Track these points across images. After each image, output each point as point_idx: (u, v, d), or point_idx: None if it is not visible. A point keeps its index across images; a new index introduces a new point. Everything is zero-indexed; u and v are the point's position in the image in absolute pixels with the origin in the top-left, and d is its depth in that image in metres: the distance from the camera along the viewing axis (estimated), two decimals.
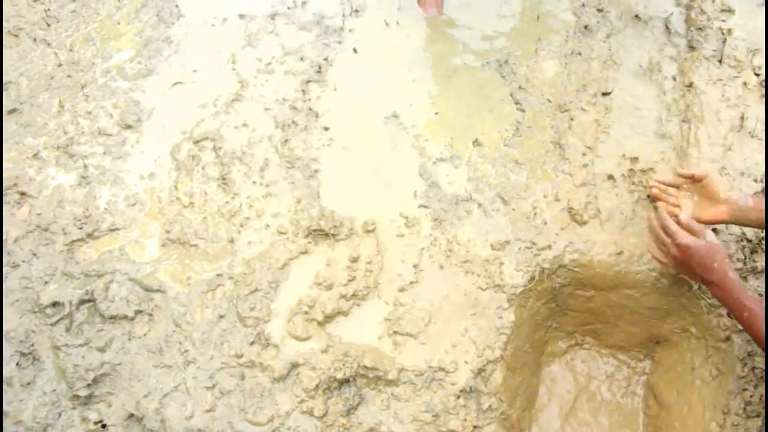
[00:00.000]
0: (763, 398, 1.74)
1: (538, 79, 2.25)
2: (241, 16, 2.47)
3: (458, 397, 1.77)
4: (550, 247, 1.94)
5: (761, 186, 2.00)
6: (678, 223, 1.67)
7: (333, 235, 1.96)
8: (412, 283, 1.90)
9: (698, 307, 1.90)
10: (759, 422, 1.71)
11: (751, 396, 1.75)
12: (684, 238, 1.63)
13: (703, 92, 2.20)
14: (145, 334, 1.87)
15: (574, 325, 2.09)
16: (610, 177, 2.04)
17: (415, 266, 1.92)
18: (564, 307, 2.04)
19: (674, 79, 2.25)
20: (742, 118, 2.13)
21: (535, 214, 1.99)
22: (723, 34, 2.32)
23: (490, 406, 1.78)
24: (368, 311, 1.88)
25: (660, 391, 1.97)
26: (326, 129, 2.17)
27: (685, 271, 1.69)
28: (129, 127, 2.21)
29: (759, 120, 2.11)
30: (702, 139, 2.10)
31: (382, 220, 1.99)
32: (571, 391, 2.06)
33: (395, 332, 1.84)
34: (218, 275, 1.94)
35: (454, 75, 2.28)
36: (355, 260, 1.92)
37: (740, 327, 1.83)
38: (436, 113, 2.18)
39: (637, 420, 2.03)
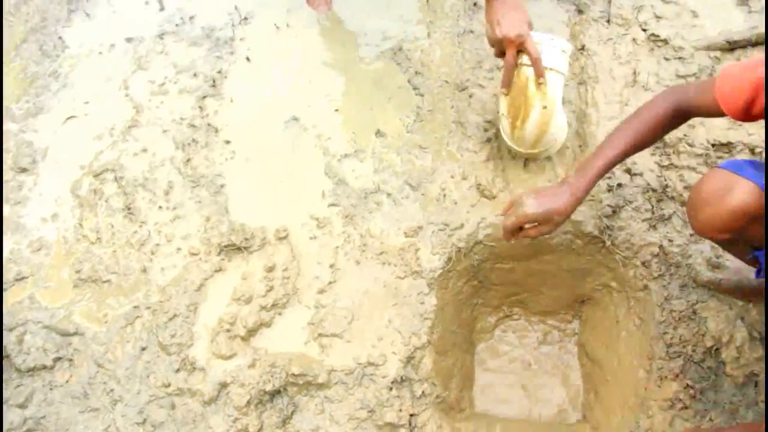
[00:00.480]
0: (683, 338, 1.80)
1: (433, 62, 2.26)
2: (129, 40, 2.43)
3: (391, 388, 1.78)
4: (462, 226, 1.96)
5: None
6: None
7: (246, 248, 1.95)
8: (330, 283, 1.90)
9: (614, 262, 1.95)
10: (680, 362, 1.76)
11: (671, 338, 1.80)
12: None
13: (595, 53, 2.24)
14: (67, 381, 1.83)
15: (500, 298, 2.12)
16: None
17: (331, 266, 1.92)
18: (487, 283, 2.07)
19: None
20: (634, 73, 2.17)
21: (444, 195, 2.00)
22: None
23: (423, 392, 1.80)
24: (290, 318, 1.88)
25: (591, 348, 2.01)
26: (227, 142, 2.15)
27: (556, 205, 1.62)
28: (24, 170, 2.16)
29: (650, 73, 2.16)
30: (599, 99, 2.15)
31: (293, 225, 1.98)
32: (508, 362, 2.10)
33: (320, 335, 1.83)
34: (135, 307, 1.91)
35: (350, 69, 2.28)
36: (271, 270, 1.91)
37: (656, 274, 1.89)
38: (336, 110, 2.18)
39: (575, 380, 2.07)
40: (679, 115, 1.56)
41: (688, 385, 1.75)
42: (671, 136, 2.02)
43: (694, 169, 1.99)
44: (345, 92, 2.24)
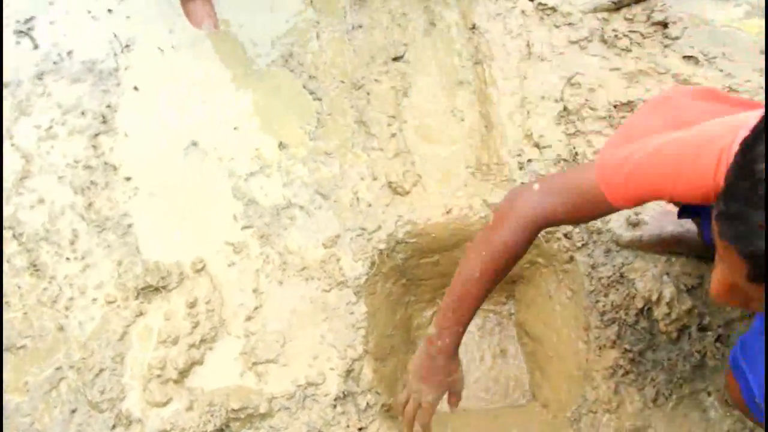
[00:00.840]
0: (615, 303, 1.83)
1: (325, 63, 2.21)
2: (6, 85, 2.31)
3: (335, 406, 1.75)
4: (380, 227, 1.93)
5: (563, 105, 2.07)
6: None
7: (164, 287, 1.88)
8: (256, 308, 1.85)
9: (537, 239, 1.96)
10: (616, 328, 1.79)
11: (604, 306, 1.83)
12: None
13: (486, 30, 2.23)
14: None
15: (431, 292, 2.11)
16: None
17: (255, 291, 1.87)
18: (415, 279, 2.05)
19: (457, 24, 2.28)
20: (528, 45, 2.18)
21: (357, 199, 1.98)
22: None
23: (368, 403, 1.78)
24: (222, 352, 1.82)
25: (529, 326, 2.03)
26: (128, 179, 2.06)
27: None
28: None
29: (543, 43, 2.18)
30: (497, 76, 2.15)
31: (209, 255, 1.92)
32: None
33: (254, 363, 1.79)
34: (57, 369, 1.82)
35: (243, 83, 2.21)
36: (193, 305, 1.85)
37: (579, 244, 1.91)
38: (235, 128, 2.12)
39: (519, 361, 2.09)
40: (536, 235, 1.42)
41: (626, 349, 1.79)
42: (574, 104, 2.05)
43: (600, 132, 2.02)
44: (241, 108, 2.18)
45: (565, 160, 1.97)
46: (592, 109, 2.03)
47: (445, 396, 1.57)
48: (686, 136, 1.18)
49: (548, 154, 1.98)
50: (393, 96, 2.12)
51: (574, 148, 1.98)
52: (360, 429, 1.74)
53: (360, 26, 2.25)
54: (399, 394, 1.64)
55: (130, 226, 1.99)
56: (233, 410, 1.73)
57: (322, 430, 1.72)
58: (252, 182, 2.03)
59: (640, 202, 1.25)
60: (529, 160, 1.96)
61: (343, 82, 2.17)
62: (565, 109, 2.04)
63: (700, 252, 1.81)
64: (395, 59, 2.18)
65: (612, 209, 1.28)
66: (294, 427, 1.74)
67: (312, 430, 1.72)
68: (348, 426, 1.74)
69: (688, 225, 1.80)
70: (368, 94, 2.13)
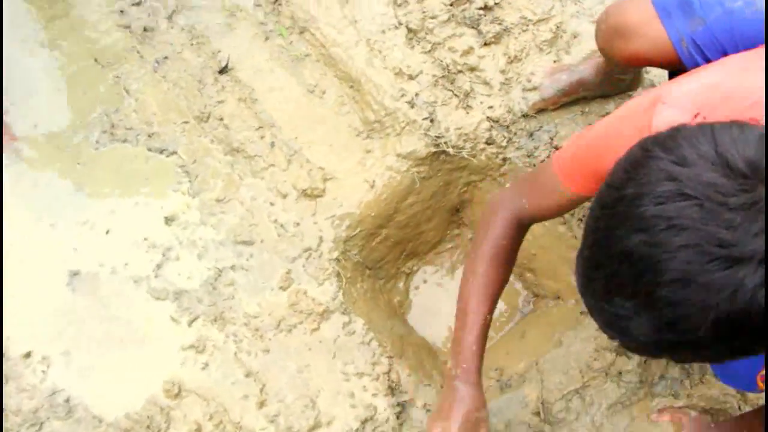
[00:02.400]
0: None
1: (155, 114, 1.94)
2: None
3: (401, 423, 1.68)
4: (321, 238, 1.81)
5: (404, 28, 2.01)
6: None
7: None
8: (262, 390, 1.67)
9: (463, 160, 1.94)
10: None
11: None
12: None
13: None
14: None
15: (394, 265, 2.06)
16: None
17: (248, 374, 1.69)
18: (375, 264, 1.98)
19: (260, 5, 2.09)
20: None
21: (281, 225, 1.82)
22: None
23: (425, 403, 1.74)
24: None
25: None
26: (27, 355, 1.76)
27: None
28: None
29: None
30: (329, 33, 2.00)
31: (174, 372, 1.71)
32: (436, 310, 2.10)
33: None
34: None
35: (82, 182, 1.93)
36: (199, 430, 1.67)
37: (504, 143, 1.92)
38: (107, 232, 1.87)
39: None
40: (526, 227, 1.42)
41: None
42: (414, 22, 2.00)
43: (454, 35, 1.98)
44: (98, 208, 1.89)
45: (443, 76, 1.94)
46: (432, 18, 1.99)
47: None
48: (620, 110, 1.19)
49: (425, 80, 1.93)
50: (245, 108, 1.95)
51: (442, 60, 1.95)
52: None
53: (165, 58, 2.03)
54: None
55: (68, 401, 1.72)
56: None
57: None
58: (164, 274, 1.80)
59: (595, 183, 1.15)
60: (417, 94, 1.90)
61: (186, 122, 1.95)
62: (409, 30, 2.00)
63: (605, 90, 1.89)
64: (222, 72, 2.00)
65: (576, 199, 1.26)
66: None
67: None
68: (420, 427, 1.69)
69: (583, 66, 1.87)
70: (221, 119, 1.94)
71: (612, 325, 0.82)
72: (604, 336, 1.09)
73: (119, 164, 1.94)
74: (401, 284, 2.09)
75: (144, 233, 1.86)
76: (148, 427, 1.65)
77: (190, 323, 1.76)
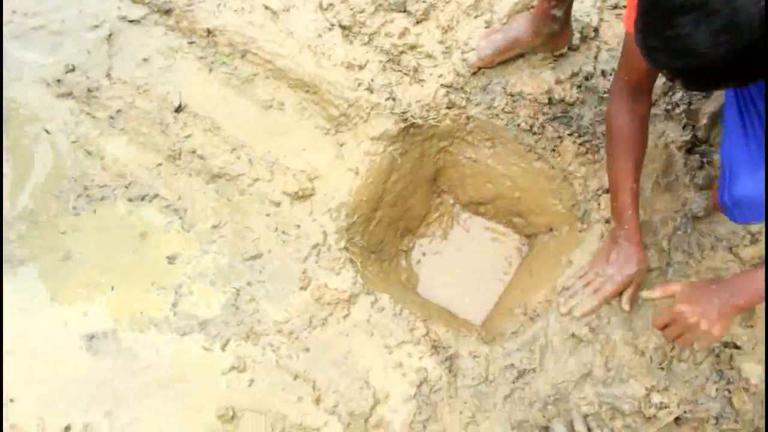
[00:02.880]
0: (530, 116, 2.04)
1: (126, 165, 1.99)
2: None
3: (455, 375, 1.76)
4: (325, 232, 1.89)
5: (332, 20, 2.14)
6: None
7: None
8: (314, 387, 1.72)
9: (434, 128, 2.08)
10: (549, 129, 2.02)
11: (524, 122, 2.03)
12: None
13: (225, 24, 2.17)
14: None
15: (392, 242, 2.17)
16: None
17: (296, 377, 1.72)
18: (376, 246, 2.09)
19: (194, 32, 2.18)
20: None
21: (283, 232, 1.89)
22: None
23: (470, 351, 1.82)
24: None
25: (477, 195, 2.20)
26: None
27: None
28: None
29: None
30: (264, 42, 2.13)
31: (219, 404, 1.74)
32: (441, 270, 2.23)
33: (366, 420, 1.69)
34: None
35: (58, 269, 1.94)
36: None
37: (462, 103, 2.04)
38: (112, 288, 1.87)
39: (485, 231, 2.28)
40: (641, 101, 1.64)
41: (574, 134, 2.00)
42: (342, 14, 2.13)
43: (379, 13, 2.15)
44: (106, 266, 1.89)
45: (389, 60, 2.07)
46: (360, 12, 2.12)
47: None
48: None
49: (375, 67, 2.06)
50: (213, 136, 2.00)
51: (383, 47, 2.08)
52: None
53: (118, 111, 2.05)
54: (579, 277, 1.81)
55: None
56: None
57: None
58: (183, 310, 1.81)
59: None
60: (372, 79, 2.02)
61: (160, 164, 1.98)
62: (343, 28, 2.12)
63: (535, 45, 2.04)
64: (178, 110, 2.05)
65: None
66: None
67: (471, 400, 1.74)
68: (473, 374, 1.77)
69: (515, 24, 2.03)
70: (193, 151, 1.98)
71: (676, 49, 1.05)
72: None
73: (104, 222, 1.95)
74: (403, 262, 2.18)
75: (150, 279, 1.87)
76: None
77: (224, 347, 1.78)
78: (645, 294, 1.64)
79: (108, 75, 2.12)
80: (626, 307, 1.75)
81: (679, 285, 1.59)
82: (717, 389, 1.71)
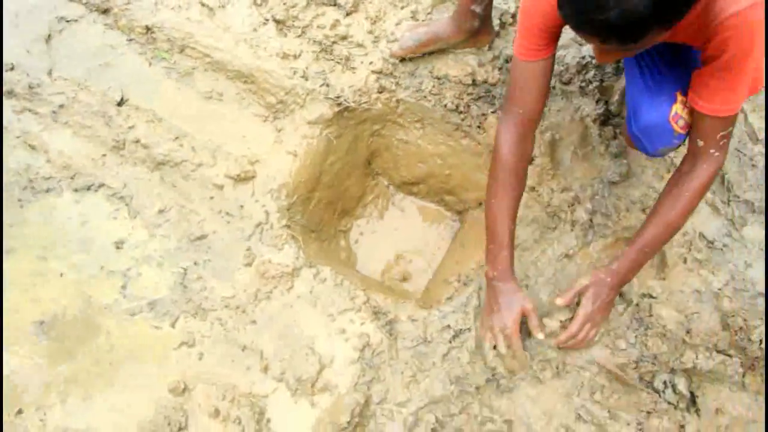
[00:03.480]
0: (457, 95, 2.19)
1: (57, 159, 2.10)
2: None
3: (393, 336, 1.89)
4: (267, 212, 2.00)
5: (270, 18, 2.27)
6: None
7: None
8: (265, 367, 1.85)
9: (363, 112, 2.22)
10: (474, 108, 2.17)
11: (450, 103, 2.19)
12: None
13: (163, 22, 2.27)
14: None
15: (332, 221, 2.29)
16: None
17: (244, 348, 1.86)
18: (315, 225, 2.21)
19: (132, 29, 2.28)
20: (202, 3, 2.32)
21: (227, 213, 2.01)
22: None
23: (409, 315, 1.96)
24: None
25: (412, 176, 2.35)
26: None
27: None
28: None
29: None
30: (202, 38, 2.26)
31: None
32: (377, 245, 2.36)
33: (312, 385, 1.82)
34: None
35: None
36: None
37: (392, 87, 2.20)
38: (62, 275, 1.95)
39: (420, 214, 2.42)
40: (527, 143, 1.72)
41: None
42: (278, 12, 2.26)
43: (315, 11, 2.29)
44: (53, 254, 1.97)
45: (322, 50, 2.20)
46: (293, 6, 2.25)
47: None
48: None
49: (308, 57, 2.19)
50: (156, 126, 2.10)
51: (315, 38, 2.22)
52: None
53: (61, 106, 2.13)
54: (483, 343, 1.83)
55: None
56: None
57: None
58: (132, 293, 1.89)
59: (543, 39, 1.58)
60: (306, 67, 2.16)
61: (104, 155, 2.06)
62: (277, 22, 2.24)
63: (456, 43, 2.19)
64: (120, 104, 2.14)
65: (543, 63, 1.61)
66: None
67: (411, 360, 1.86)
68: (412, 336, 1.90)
69: (440, 20, 2.19)
70: (137, 141, 2.07)
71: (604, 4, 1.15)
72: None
73: (51, 212, 2.02)
74: (342, 242, 2.31)
75: (99, 265, 1.95)
76: (169, 425, 1.74)
77: (173, 324, 1.87)
78: (558, 302, 1.78)
79: (49, 73, 2.20)
80: (540, 336, 1.76)
81: (584, 284, 1.77)
82: (636, 336, 1.89)
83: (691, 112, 1.59)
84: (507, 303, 1.75)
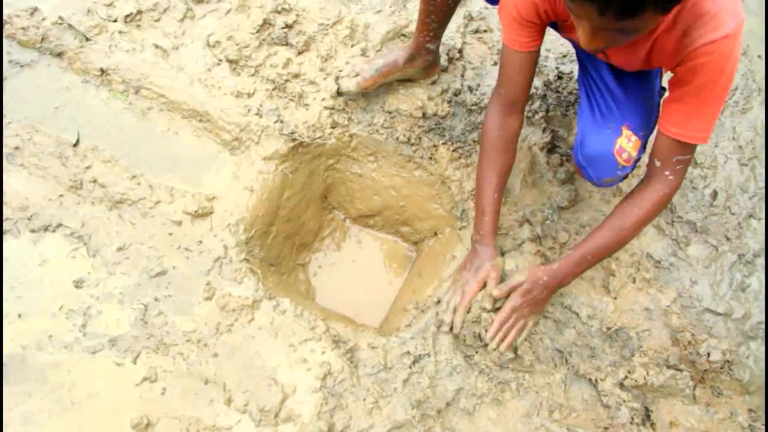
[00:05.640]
0: (408, 114, 2.34)
1: (13, 201, 2.18)
2: None
3: (356, 365, 1.99)
4: (225, 246, 2.10)
5: (221, 58, 2.40)
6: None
7: None
8: (229, 400, 1.94)
9: (329, 154, 2.35)
10: (431, 133, 2.33)
11: (404, 129, 2.34)
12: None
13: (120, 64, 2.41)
14: None
15: (290, 253, 2.39)
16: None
17: (207, 382, 1.94)
18: (273, 258, 2.31)
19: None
20: (169, 44, 2.44)
21: (186, 248, 2.10)
22: None
23: (355, 344, 2.06)
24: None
25: (364, 206, 2.47)
26: None
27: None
28: None
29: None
30: (160, 76, 2.38)
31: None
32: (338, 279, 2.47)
33: (275, 416, 1.90)
34: None
35: None
36: None
37: (344, 122, 2.35)
38: (20, 316, 2.01)
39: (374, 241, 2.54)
40: (514, 118, 1.91)
41: (450, 142, 2.33)
42: (230, 52, 2.39)
43: (273, 53, 2.43)
44: (13, 294, 2.04)
45: (275, 88, 2.33)
46: (246, 47, 2.40)
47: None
48: None
49: (262, 95, 2.32)
50: (113, 165, 2.19)
51: (268, 76, 2.35)
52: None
53: (16, 148, 2.21)
54: (443, 296, 2.01)
55: None
56: None
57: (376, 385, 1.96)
58: (92, 331, 1.96)
59: (521, 26, 1.74)
60: (260, 105, 2.28)
61: (61, 195, 2.14)
62: (230, 62, 2.38)
63: (410, 72, 2.35)
64: (76, 145, 2.23)
65: (526, 53, 1.78)
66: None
67: (373, 386, 1.96)
68: (372, 363, 2.00)
69: (395, 51, 2.34)
70: (94, 181, 2.15)
71: None
72: None
73: (8, 253, 2.08)
74: (302, 275, 2.41)
75: (58, 304, 2.01)
76: None
77: (135, 360, 1.94)
78: (495, 294, 1.91)
79: (2, 117, 2.29)
80: (495, 293, 1.91)
81: (520, 280, 1.90)
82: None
83: (636, 147, 1.75)
84: (478, 264, 1.97)
